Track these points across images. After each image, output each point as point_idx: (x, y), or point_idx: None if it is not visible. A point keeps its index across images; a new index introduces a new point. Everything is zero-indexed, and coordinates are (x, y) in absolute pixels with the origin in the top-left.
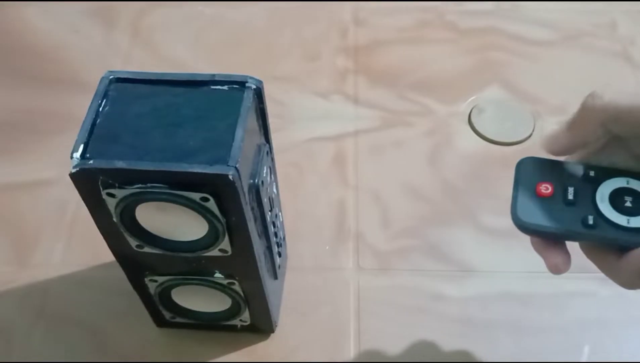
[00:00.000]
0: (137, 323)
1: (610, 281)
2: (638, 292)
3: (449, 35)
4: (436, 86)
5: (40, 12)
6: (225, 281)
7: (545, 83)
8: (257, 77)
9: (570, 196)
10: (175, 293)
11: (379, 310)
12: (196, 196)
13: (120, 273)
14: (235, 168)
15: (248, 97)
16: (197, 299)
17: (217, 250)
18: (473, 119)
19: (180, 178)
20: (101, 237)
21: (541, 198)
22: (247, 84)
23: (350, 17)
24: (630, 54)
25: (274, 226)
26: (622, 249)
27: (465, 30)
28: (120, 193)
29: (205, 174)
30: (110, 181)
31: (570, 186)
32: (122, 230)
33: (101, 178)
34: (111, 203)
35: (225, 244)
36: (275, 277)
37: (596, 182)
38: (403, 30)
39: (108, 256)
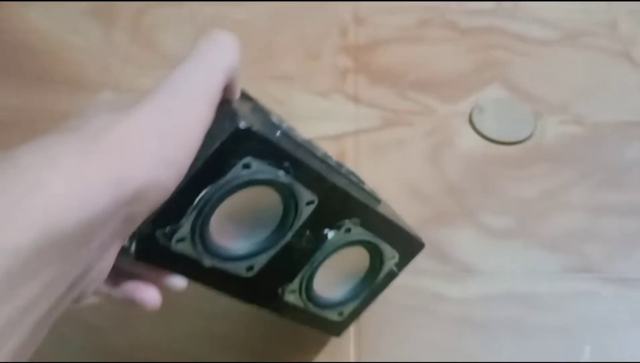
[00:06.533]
0: (136, 323)
1: (612, 281)
2: None
3: (450, 35)
4: (437, 85)
5: (39, 11)
6: (342, 233)
7: (546, 82)
8: None
9: None
10: (317, 287)
11: (379, 310)
12: (238, 170)
13: None
14: (239, 115)
15: None
16: (340, 276)
17: (305, 205)
18: (474, 119)
19: (213, 167)
20: None
21: None
22: None
23: (351, 16)
24: (631, 54)
25: (332, 158)
26: None
27: (466, 30)
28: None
29: (223, 142)
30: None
31: None
32: (221, 266)
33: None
34: (186, 248)
35: (305, 194)
36: (378, 200)
37: None
38: (404, 30)
39: None
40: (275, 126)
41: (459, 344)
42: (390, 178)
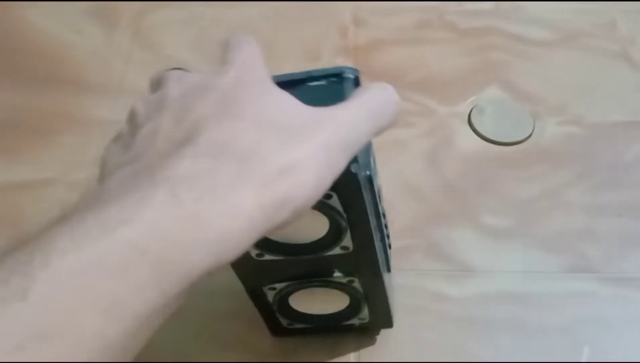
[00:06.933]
0: None
1: (611, 281)
2: (639, 292)
3: (449, 36)
4: (436, 86)
5: (40, 12)
6: (345, 279)
7: (545, 83)
8: (353, 67)
9: None
10: (292, 298)
11: None
12: None
13: None
14: (356, 159)
15: (349, 89)
16: (314, 302)
17: (339, 248)
18: (473, 119)
19: None
20: None
21: None
22: (345, 75)
23: (351, 17)
24: (629, 54)
25: (384, 218)
26: None
27: (465, 31)
28: None
29: None
30: None
31: None
32: None
33: None
34: None
35: (347, 241)
36: (389, 270)
37: None
38: (403, 30)
39: None
40: (369, 167)
41: (459, 344)
42: (390, 178)
